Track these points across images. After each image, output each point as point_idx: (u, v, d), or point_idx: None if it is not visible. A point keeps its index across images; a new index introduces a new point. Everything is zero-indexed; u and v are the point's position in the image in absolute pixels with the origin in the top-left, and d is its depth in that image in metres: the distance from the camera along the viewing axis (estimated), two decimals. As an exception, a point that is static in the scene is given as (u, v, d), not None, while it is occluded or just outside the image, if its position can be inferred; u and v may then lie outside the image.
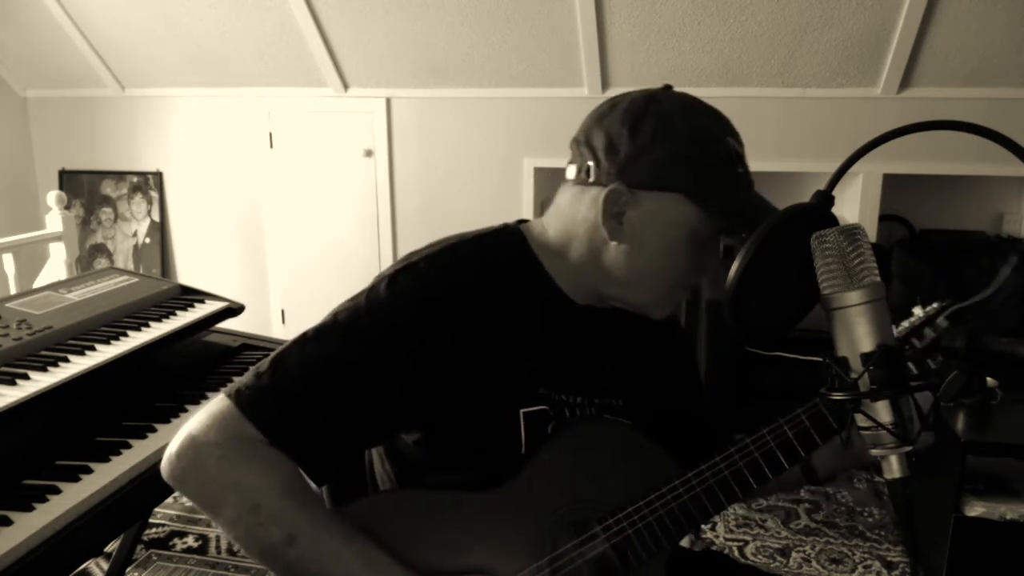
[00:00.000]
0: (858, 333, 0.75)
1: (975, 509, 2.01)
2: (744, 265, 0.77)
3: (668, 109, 0.88)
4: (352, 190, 3.87)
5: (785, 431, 0.91)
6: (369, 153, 3.81)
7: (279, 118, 3.90)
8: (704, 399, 1.17)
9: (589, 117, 0.93)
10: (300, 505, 0.82)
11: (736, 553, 2.42)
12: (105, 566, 2.12)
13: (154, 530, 2.52)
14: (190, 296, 1.99)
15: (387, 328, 0.86)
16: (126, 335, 1.67)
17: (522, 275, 0.95)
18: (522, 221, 1.02)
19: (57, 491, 1.24)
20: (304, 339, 0.87)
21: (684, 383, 1.14)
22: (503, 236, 0.97)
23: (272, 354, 0.87)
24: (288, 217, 3.99)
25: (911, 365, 0.83)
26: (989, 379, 2.14)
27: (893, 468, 0.75)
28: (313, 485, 0.87)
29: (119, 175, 4.20)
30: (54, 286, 1.88)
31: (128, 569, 2.18)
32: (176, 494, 2.67)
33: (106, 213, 4.23)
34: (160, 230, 4.18)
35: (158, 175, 4.14)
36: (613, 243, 0.90)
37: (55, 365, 1.48)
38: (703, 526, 2.52)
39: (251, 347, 1.97)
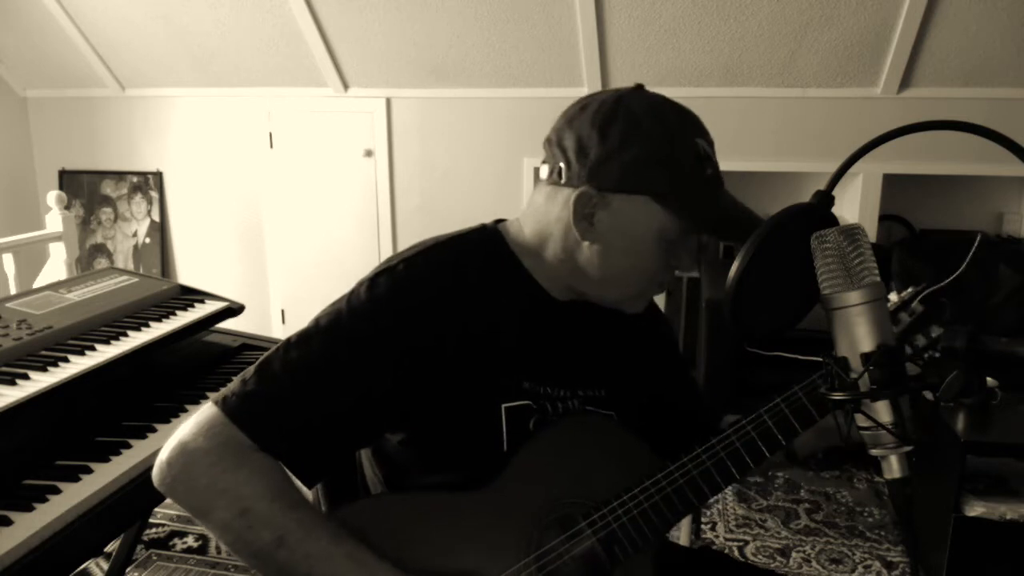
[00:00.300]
0: (858, 333, 0.75)
1: (975, 509, 2.01)
2: (744, 265, 0.77)
3: (637, 110, 0.88)
4: (352, 190, 3.87)
5: (765, 420, 0.93)
6: (369, 153, 3.81)
7: (279, 118, 3.90)
8: (691, 385, 1.19)
9: (561, 117, 0.94)
10: (289, 508, 0.83)
11: (736, 553, 2.42)
12: (105, 566, 2.12)
13: (154, 530, 2.52)
14: (190, 296, 1.99)
15: (368, 330, 0.87)
16: (126, 335, 1.67)
17: (501, 273, 0.96)
18: (499, 221, 1.03)
19: (57, 491, 1.24)
20: (288, 344, 0.88)
21: (667, 371, 1.15)
22: (481, 236, 0.99)
23: (258, 360, 0.88)
24: (288, 217, 3.99)
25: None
26: (989, 379, 2.14)
27: (893, 468, 0.75)
28: (304, 488, 0.87)
29: (119, 175, 4.20)
30: (54, 286, 1.88)
31: (128, 569, 2.18)
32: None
33: (106, 213, 4.23)
34: (160, 230, 4.18)
35: (158, 175, 4.14)
36: (585, 243, 0.91)
37: (55, 365, 1.47)
38: (703, 526, 2.52)
39: (251, 347, 1.97)
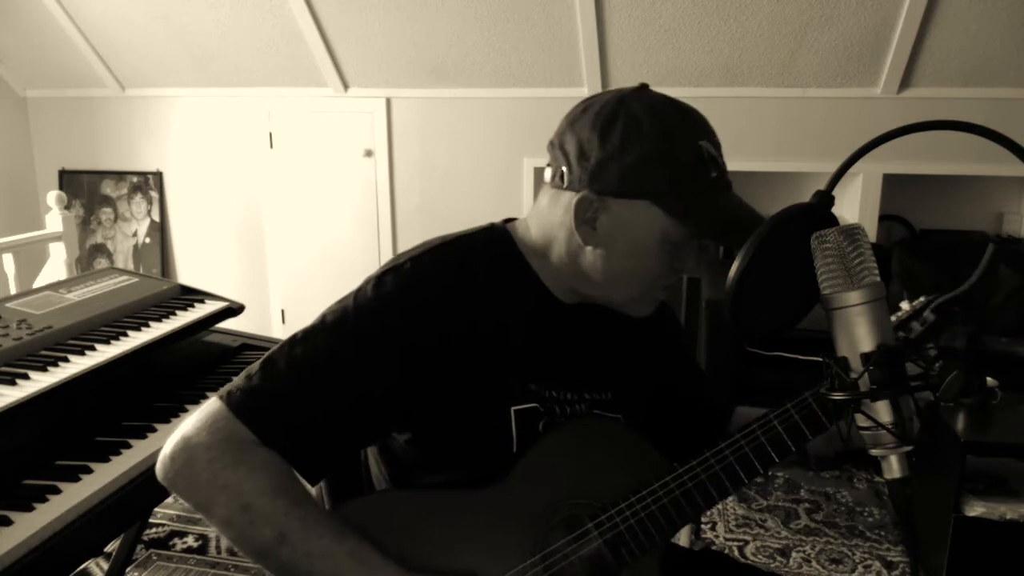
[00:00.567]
0: (858, 333, 0.75)
1: (975, 509, 2.01)
2: (744, 265, 0.77)
3: (638, 113, 0.87)
4: (352, 190, 3.87)
5: (775, 425, 0.92)
6: (369, 153, 3.81)
7: (279, 118, 3.90)
8: (700, 378, 1.18)
9: (564, 119, 0.93)
10: (291, 504, 0.82)
11: (736, 553, 2.42)
12: (105, 566, 2.12)
13: (154, 530, 2.52)
14: (190, 296, 1.99)
15: (374, 328, 0.87)
16: (126, 335, 1.67)
17: (508, 274, 0.95)
18: (508, 220, 1.02)
19: (57, 491, 1.24)
20: (293, 340, 0.88)
21: (679, 370, 1.14)
22: (489, 236, 0.98)
23: (263, 356, 0.88)
24: (288, 217, 3.99)
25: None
26: (989, 379, 2.13)
27: (893, 468, 0.75)
28: (307, 484, 0.87)
29: (119, 175, 4.20)
30: (54, 286, 1.88)
31: (128, 569, 2.18)
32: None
33: (106, 213, 4.23)
34: (160, 230, 4.18)
35: (158, 175, 4.14)
36: (588, 247, 0.91)
37: (55, 365, 1.48)
38: (703, 526, 2.52)
39: (251, 347, 1.97)
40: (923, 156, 3.21)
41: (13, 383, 1.38)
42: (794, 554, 2.41)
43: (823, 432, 0.92)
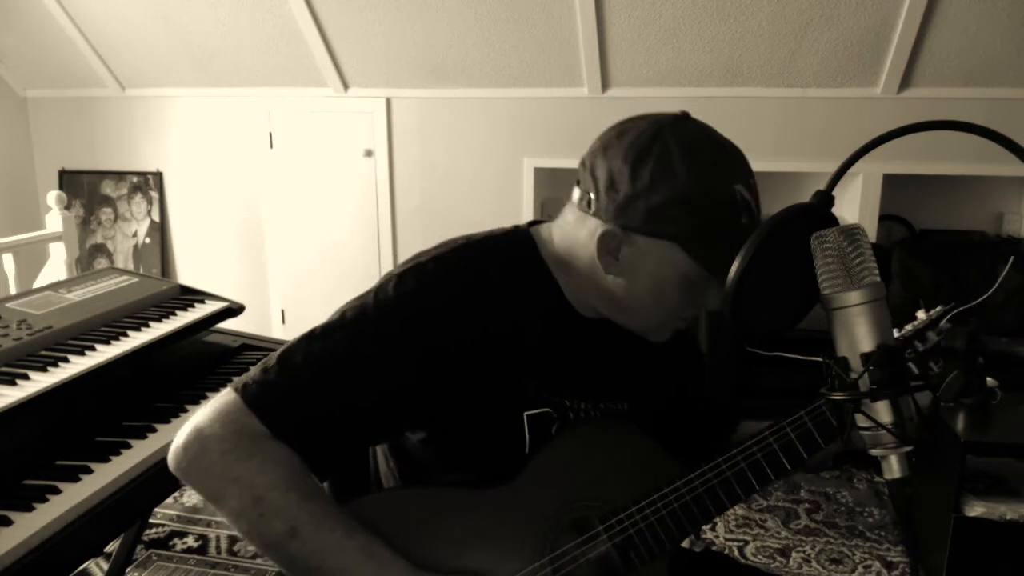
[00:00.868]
0: (858, 333, 0.75)
1: (975, 509, 2.01)
2: (744, 265, 0.77)
3: (672, 150, 0.85)
4: (352, 190, 3.87)
5: (788, 432, 0.91)
6: (369, 153, 3.81)
7: (279, 118, 3.90)
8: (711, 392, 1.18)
9: (598, 141, 0.91)
10: (303, 498, 0.82)
11: (736, 553, 2.42)
12: (105, 566, 2.12)
13: (154, 530, 2.52)
14: (190, 296, 1.99)
15: (393, 327, 0.87)
16: (126, 335, 1.67)
17: (529, 280, 0.95)
18: (532, 224, 1.02)
19: (57, 491, 1.24)
20: (312, 335, 0.88)
21: (691, 382, 1.14)
22: (512, 239, 0.98)
23: (280, 349, 0.88)
24: (288, 217, 3.99)
25: (912, 366, 0.83)
26: (989, 379, 2.13)
27: (893, 468, 0.75)
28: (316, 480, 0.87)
29: (119, 175, 4.20)
30: (54, 286, 1.88)
31: (128, 569, 2.18)
32: (176, 494, 2.68)
33: (106, 213, 4.23)
34: (160, 230, 4.18)
35: (158, 175, 4.14)
36: (609, 276, 0.90)
37: (55, 365, 1.47)
38: (703, 526, 2.52)
39: (251, 347, 1.97)
40: (923, 156, 3.21)
41: (13, 383, 1.38)
42: (794, 554, 2.41)
43: (835, 440, 0.91)
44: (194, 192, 4.12)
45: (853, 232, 0.76)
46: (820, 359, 0.78)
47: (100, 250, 4.26)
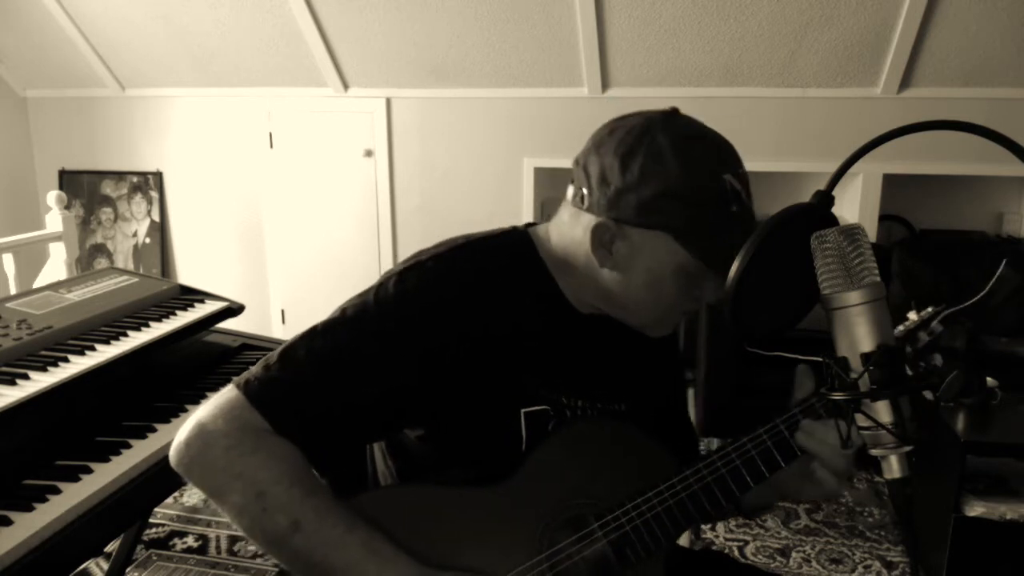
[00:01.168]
0: (858, 333, 0.75)
1: (975, 509, 2.01)
2: (744, 265, 0.77)
3: (662, 144, 0.86)
4: (352, 190, 3.87)
5: (782, 430, 0.92)
6: (369, 153, 3.81)
7: (279, 118, 3.90)
8: (684, 403, 1.20)
9: (591, 139, 0.92)
10: (305, 494, 0.83)
11: (736, 553, 2.42)
12: (105, 566, 2.12)
13: (154, 530, 2.52)
14: (190, 296, 1.99)
15: (394, 324, 0.88)
16: (126, 335, 1.67)
17: (528, 279, 0.96)
18: (529, 225, 1.03)
19: (57, 491, 1.24)
20: (313, 332, 0.89)
21: (674, 385, 1.16)
22: (510, 239, 0.99)
23: (281, 346, 0.89)
24: (288, 217, 3.99)
25: (907, 368, 0.83)
26: (989, 379, 2.14)
27: (893, 468, 0.75)
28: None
29: (119, 175, 4.20)
30: (54, 286, 1.88)
31: (128, 569, 2.18)
32: (176, 494, 2.68)
33: (106, 213, 4.23)
34: (160, 230, 4.18)
35: (158, 175, 4.14)
36: (605, 269, 0.91)
37: (55, 365, 1.48)
38: (703, 526, 2.52)
39: (251, 347, 1.97)
40: (923, 156, 3.21)
41: (13, 383, 1.38)
42: (794, 554, 2.41)
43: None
44: (194, 192, 4.12)
45: (853, 232, 0.76)
46: (820, 359, 0.78)
47: (100, 250, 4.26)
